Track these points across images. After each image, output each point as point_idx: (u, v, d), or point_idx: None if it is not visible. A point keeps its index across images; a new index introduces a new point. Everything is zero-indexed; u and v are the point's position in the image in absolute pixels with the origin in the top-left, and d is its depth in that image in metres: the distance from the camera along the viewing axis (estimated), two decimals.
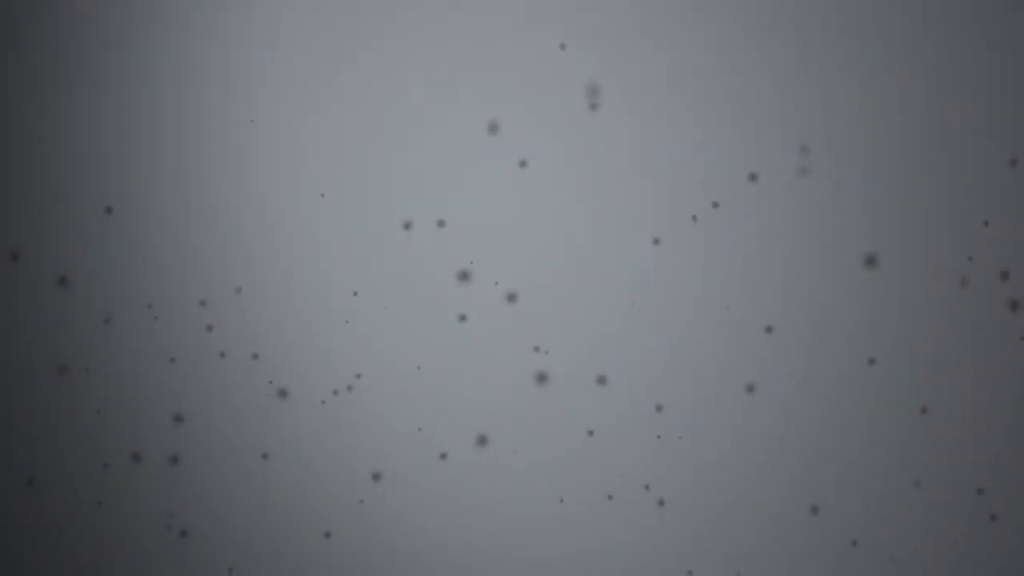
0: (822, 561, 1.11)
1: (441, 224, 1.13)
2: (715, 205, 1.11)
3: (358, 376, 1.13)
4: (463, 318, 1.13)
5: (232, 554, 1.14)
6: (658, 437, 1.12)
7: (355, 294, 1.13)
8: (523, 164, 1.12)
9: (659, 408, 1.12)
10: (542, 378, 1.13)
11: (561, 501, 1.13)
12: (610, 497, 1.12)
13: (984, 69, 1.09)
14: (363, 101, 1.13)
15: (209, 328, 1.13)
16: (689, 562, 1.12)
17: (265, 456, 1.13)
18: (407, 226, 1.13)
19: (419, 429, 1.13)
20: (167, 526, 1.14)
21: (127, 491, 1.14)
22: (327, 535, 1.14)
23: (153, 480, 1.14)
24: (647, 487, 1.12)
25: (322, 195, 1.13)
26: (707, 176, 1.11)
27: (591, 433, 1.12)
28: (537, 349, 1.12)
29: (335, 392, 1.13)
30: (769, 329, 1.11)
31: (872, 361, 1.10)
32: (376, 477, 1.14)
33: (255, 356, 1.13)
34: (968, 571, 1.10)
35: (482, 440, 1.13)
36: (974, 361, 1.09)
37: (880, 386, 1.11)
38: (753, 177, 1.10)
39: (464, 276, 1.13)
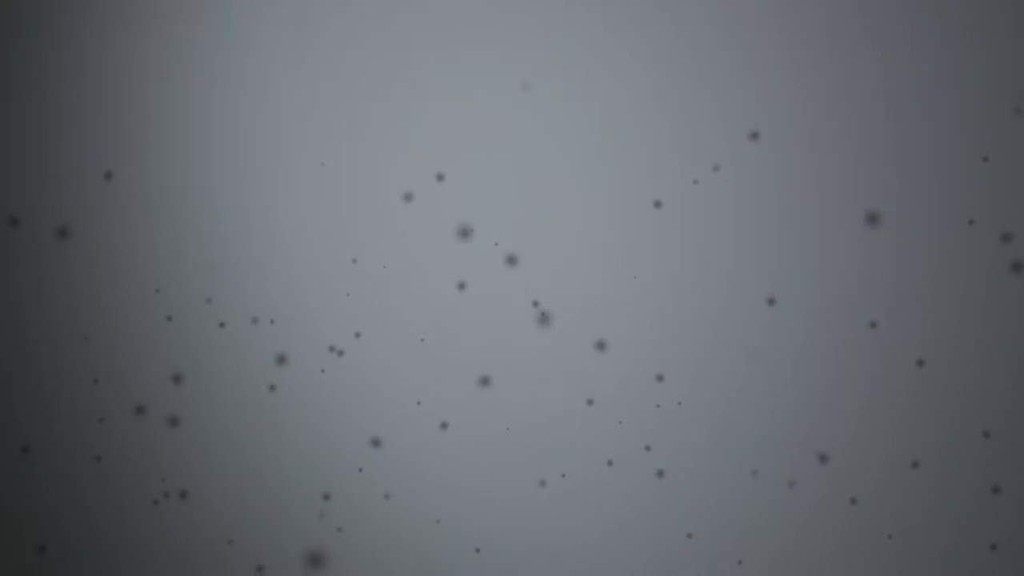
0: (825, 523, 1.11)
1: (440, 185, 1.13)
2: (716, 168, 1.11)
3: (357, 335, 1.13)
4: (463, 285, 1.12)
5: (232, 515, 1.14)
6: (658, 406, 1.11)
7: (354, 261, 1.13)
8: (524, 128, 1.12)
9: (660, 378, 1.11)
10: (542, 338, 1.12)
11: (563, 476, 1.12)
12: (610, 463, 1.12)
13: (989, 19, 1.09)
14: (361, 66, 1.13)
15: (208, 300, 1.13)
16: (689, 525, 1.12)
17: (265, 420, 1.13)
18: (407, 196, 1.13)
19: (418, 403, 1.13)
20: (165, 491, 1.14)
21: (127, 450, 1.14)
22: (326, 497, 1.13)
23: (153, 441, 1.13)
24: (648, 448, 1.12)
25: (321, 164, 1.13)
26: (708, 138, 1.11)
27: (591, 402, 1.12)
28: (536, 304, 1.12)
29: (338, 352, 1.13)
30: (772, 301, 1.10)
31: (874, 324, 1.10)
32: (375, 443, 1.13)
33: (254, 320, 1.13)
34: (968, 520, 1.10)
35: (482, 408, 1.13)
36: (976, 321, 1.09)
37: (881, 347, 1.10)
38: (754, 136, 1.10)
39: (464, 236, 1.13)
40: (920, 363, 1.09)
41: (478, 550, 1.13)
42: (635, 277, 1.11)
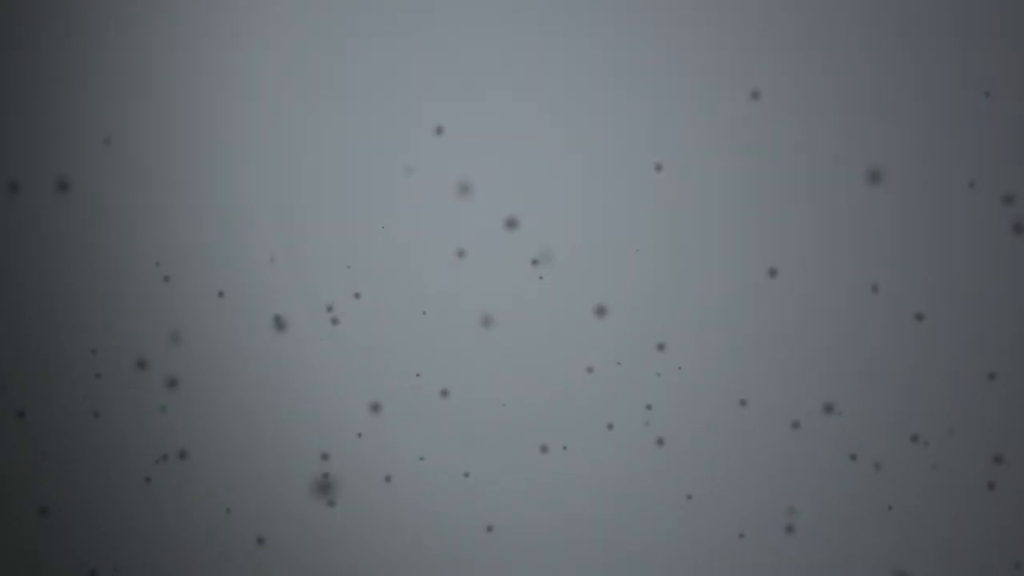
0: (828, 481, 1.11)
1: (440, 143, 1.12)
2: (717, 129, 1.11)
3: (356, 296, 1.12)
4: (461, 252, 1.12)
5: (231, 476, 1.14)
6: (658, 375, 1.11)
7: (353, 227, 1.13)
8: (525, 91, 1.12)
9: (660, 347, 1.11)
10: (539, 307, 1.12)
11: (564, 448, 1.12)
12: (610, 426, 1.12)
13: None
14: (357, 23, 1.13)
15: (206, 263, 1.12)
16: (689, 487, 1.12)
17: (264, 385, 1.13)
18: (408, 168, 1.12)
19: (417, 375, 1.12)
20: (164, 454, 1.13)
21: (126, 411, 1.13)
22: (324, 456, 1.13)
23: (152, 401, 1.13)
24: (648, 407, 1.11)
25: (319, 125, 1.12)
26: (709, 99, 1.11)
27: (590, 370, 1.12)
28: (537, 266, 1.12)
29: (334, 321, 1.12)
30: (773, 271, 1.10)
31: (875, 288, 1.10)
32: (375, 408, 1.13)
33: (253, 283, 1.12)
34: (968, 460, 1.10)
35: (483, 376, 1.13)
36: (977, 280, 1.10)
37: (882, 309, 1.10)
38: (756, 96, 1.10)
39: (463, 198, 1.12)
40: (919, 317, 1.10)
41: (484, 518, 1.13)
42: (636, 250, 1.11)
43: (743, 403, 1.11)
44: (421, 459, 1.13)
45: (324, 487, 1.12)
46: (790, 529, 1.11)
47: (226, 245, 1.13)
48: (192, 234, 1.13)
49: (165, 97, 1.13)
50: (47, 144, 1.13)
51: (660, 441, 1.11)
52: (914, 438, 1.10)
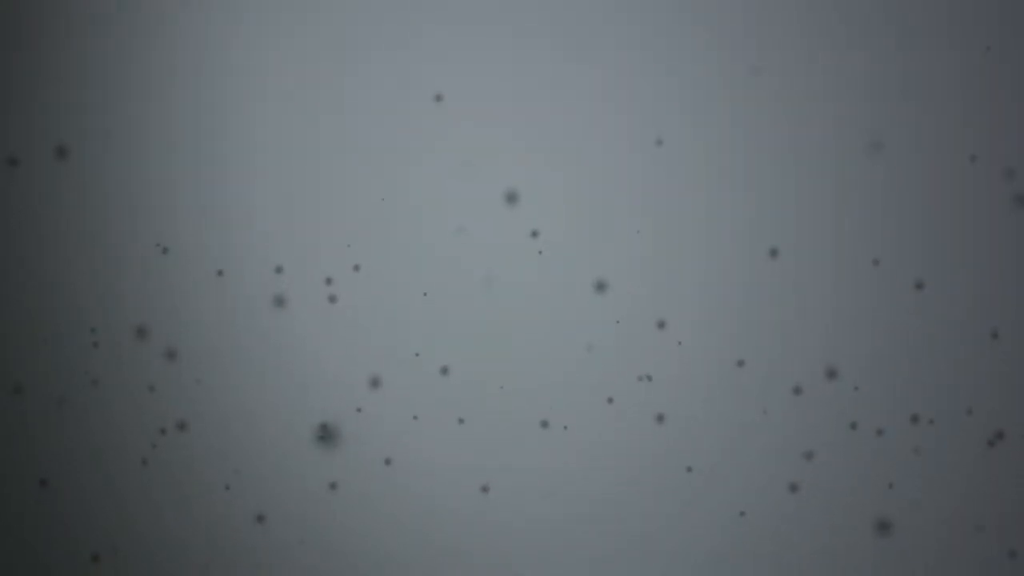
0: (830, 446, 1.11)
1: (440, 116, 1.12)
2: (718, 103, 1.11)
3: (356, 268, 1.12)
4: (461, 229, 1.12)
5: (231, 449, 1.13)
6: (658, 350, 1.11)
7: (353, 200, 1.12)
8: (526, 65, 1.12)
9: (660, 322, 1.11)
10: (539, 281, 1.12)
11: (565, 428, 1.12)
12: (610, 401, 1.12)
13: None
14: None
15: (206, 234, 1.12)
16: (688, 459, 1.12)
17: (264, 360, 1.12)
18: (408, 139, 1.12)
19: (416, 355, 1.12)
20: (162, 427, 1.13)
21: (125, 383, 1.13)
22: (322, 427, 1.13)
23: (150, 375, 1.13)
24: (648, 379, 1.11)
25: (317, 96, 1.12)
26: (709, 73, 1.11)
27: (590, 347, 1.12)
28: (535, 234, 1.12)
29: (331, 299, 1.12)
30: (774, 251, 1.10)
31: (876, 262, 1.10)
32: (375, 383, 1.13)
33: (252, 255, 1.12)
34: (968, 428, 1.10)
35: (482, 357, 1.13)
36: (974, 249, 1.10)
37: (882, 278, 1.10)
38: (757, 71, 1.10)
39: (463, 177, 1.12)
40: (919, 286, 1.10)
41: (484, 489, 1.12)
42: (638, 231, 1.11)
43: (742, 374, 1.11)
44: (421, 436, 1.12)
45: (325, 437, 1.12)
46: (792, 496, 1.11)
47: (226, 220, 1.13)
48: (192, 208, 1.13)
49: (165, 73, 1.13)
50: (47, 116, 1.13)
51: (660, 417, 1.11)
52: (915, 414, 1.10)
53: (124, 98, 1.13)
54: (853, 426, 1.10)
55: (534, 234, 1.12)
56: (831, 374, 1.10)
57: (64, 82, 1.13)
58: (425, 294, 1.12)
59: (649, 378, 1.11)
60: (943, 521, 1.11)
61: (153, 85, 1.13)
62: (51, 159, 1.12)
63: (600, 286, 1.11)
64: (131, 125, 1.13)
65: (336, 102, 1.13)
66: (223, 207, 1.13)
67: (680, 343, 1.11)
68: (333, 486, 1.12)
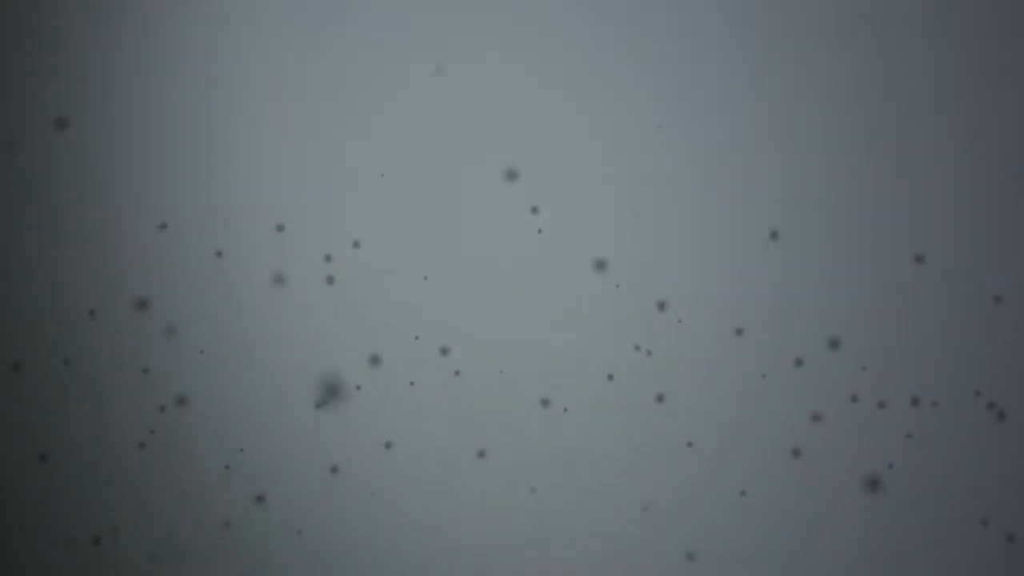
0: (824, 419, 1.11)
1: (440, 91, 1.12)
2: (716, 83, 1.11)
3: (356, 244, 1.12)
4: (459, 199, 1.12)
5: (230, 422, 1.13)
6: (657, 328, 1.11)
7: (353, 175, 1.12)
8: (528, 43, 1.12)
9: (661, 306, 1.11)
10: (542, 260, 1.12)
11: (565, 411, 1.11)
12: (610, 377, 1.11)
13: None
14: None
15: (206, 208, 1.12)
16: (689, 433, 1.12)
17: (265, 338, 1.12)
18: (407, 116, 1.12)
19: (416, 338, 1.12)
20: (162, 404, 1.13)
21: (122, 357, 1.13)
22: (325, 389, 1.13)
23: (149, 351, 1.13)
24: (648, 355, 1.11)
25: (316, 69, 1.12)
26: (711, 55, 1.11)
27: (590, 323, 1.12)
28: (535, 210, 1.12)
29: (330, 277, 1.12)
30: (775, 234, 1.10)
31: (876, 228, 1.10)
32: (374, 361, 1.12)
33: (252, 229, 1.12)
34: (970, 373, 1.10)
35: (482, 336, 1.12)
36: (973, 218, 1.10)
37: (881, 241, 1.11)
38: (758, 52, 1.11)
39: (464, 150, 1.12)
40: (919, 259, 1.10)
41: (484, 464, 1.12)
42: (637, 212, 1.11)
43: (742, 345, 1.11)
44: (421, 413, 1.12)
45: (327, 393, 1.11)
46: (794, 463, 1.11)
47: (226, 196, 1.13)
48: (192, 184, 1.12)
49: (164, 46, 1.13)
50: (47, 88, 1.13)
51: (660, 396, 1.11)
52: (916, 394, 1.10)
53: (125, 72, 1.13)
54: (854, 399, 1.10)
55: (534, 210, 1.12)
56: (834, 344, 1.10)
57: (65, 57, 1.13)
58: (426, 278, 1.12)
59: (649, 353, 1.11)
60: (942, 489, 1.10)
61: (154, 63, 1.13)
62: (51, 132, 1.12)
63: (600, 264, 1.11)
64: (132, 100, 1.13)
65: (337, 79, 1.13)
66: (223, 183, 1.13)
67: (680, 321, 1.11)
68: (334, 469, 1.12)
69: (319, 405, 1.09)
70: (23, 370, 1.12)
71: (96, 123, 1.12)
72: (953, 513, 1.10)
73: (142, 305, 1.12)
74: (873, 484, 1.10)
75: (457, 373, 1.12)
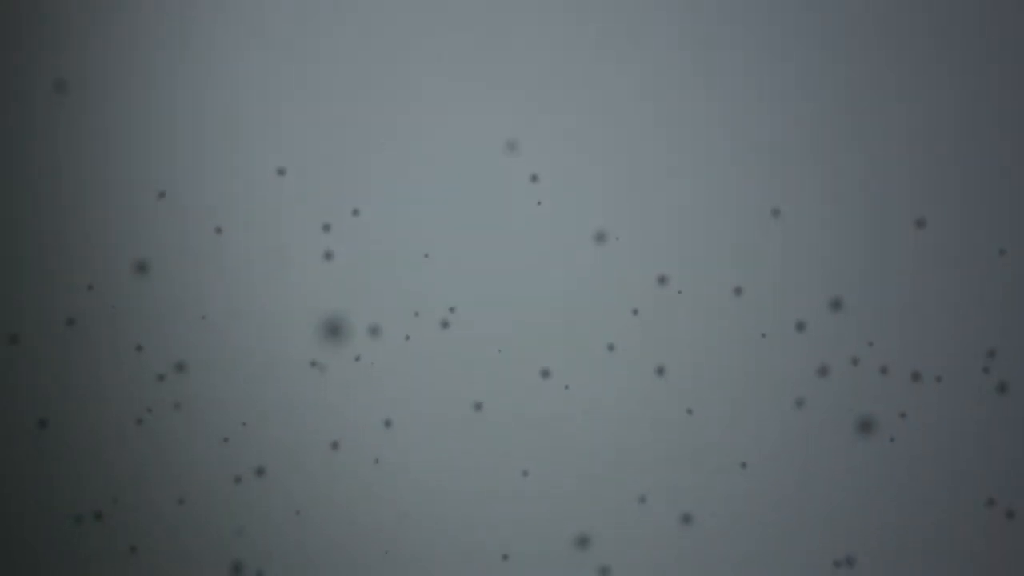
0: (825, 382, 1.11)
1: (440, 61, 1.13)
2: (717, 53, 1.11)
3: (356, 213, 1.12)
4: (460, 175, 1.12)
5: (228, 388, 1.13)
6: (657, 300, 1.11)
7: (353, 146, 1.13)
8: (528, 12, 1.12)
9: (662, 279, 1.11)
10: (543, 233, 1.12)
11: (567, 388, 1.11)
12: (611, 347, 1.11)
13: None
14: None
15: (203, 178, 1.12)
16: (689, 400, 1.11)
17: (265, 311, 1.12)
18: (406, 88, 1.13)
19: (416, 314, 1.12)
20: (161, 373, 1.13)
21: (121, 325, 1.13)
22: (312, 364, 1.13)
23: (147, 320, 1.13)
24: (648, 328, 1.11)
25: (317, 45, 1.13)
26: (710, 27, 1.11)
27: (590, 294, 1.11)
28: (535, 178, 1.12)
29: (328, 255, 1.12)
30: (776, 212, 1.10)
31: (878, 195, 1.10)
32: (374, 332, 1.13)
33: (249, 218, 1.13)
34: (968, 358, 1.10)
35: (481, 306, 1.12)
36: (973, 179, 1.10)
37: (878, 201, 1.11)
38: (762, 34, 1.11)
39: (464, 120, 1.13)
40: (919, 223, 1.10)
41: (479, 410, 1.12)
42: (635, 188, 1.11)
43: (742, 307, 1.11)
44: (423, 385, 1.12)
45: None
46: (798, 412, 1.11)
47: (225, 161, 1.13)
48: (191, 153, 1.13)
49: (167, 11, 1.13)
50: (44, 52, 1.13)
51: (660, 369, 1.11)
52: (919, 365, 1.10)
53: (127, 36, 1.13)
54: (855, 362, 1.10)
55: (534, 178, 1.12)
56: (836, 306, 1.10)
57: (64, 20, 1.13)
58: (426, 255, 1.12)
59: (648, 328, 1.11)
60: (945, 453, 1.10)
61: (151, 29, 1.13)
62: (49, 90, 1.12)
63: (599, 237, 1.11)
64: (132, 64, 1.13)
65: (337, 50, 1.13)
66: (223, 150, 1.13)
67: (680, 292, 1.11)
68: (335, 445, 1.12)
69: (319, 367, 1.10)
70: (20, 339, 1.12)
71: (95, 88, 1.13)
72: (956, 480, 1.10)
73: (140, 269, 1.12)
74: (871, 435, 1.10)
75: (456, 344, 1.12)
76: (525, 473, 1.12)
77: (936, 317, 1.10)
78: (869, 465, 1.10)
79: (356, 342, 1.12)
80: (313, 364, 1.12)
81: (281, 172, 1.13)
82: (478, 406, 1.12)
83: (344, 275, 1.12)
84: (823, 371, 1.11)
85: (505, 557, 1.12)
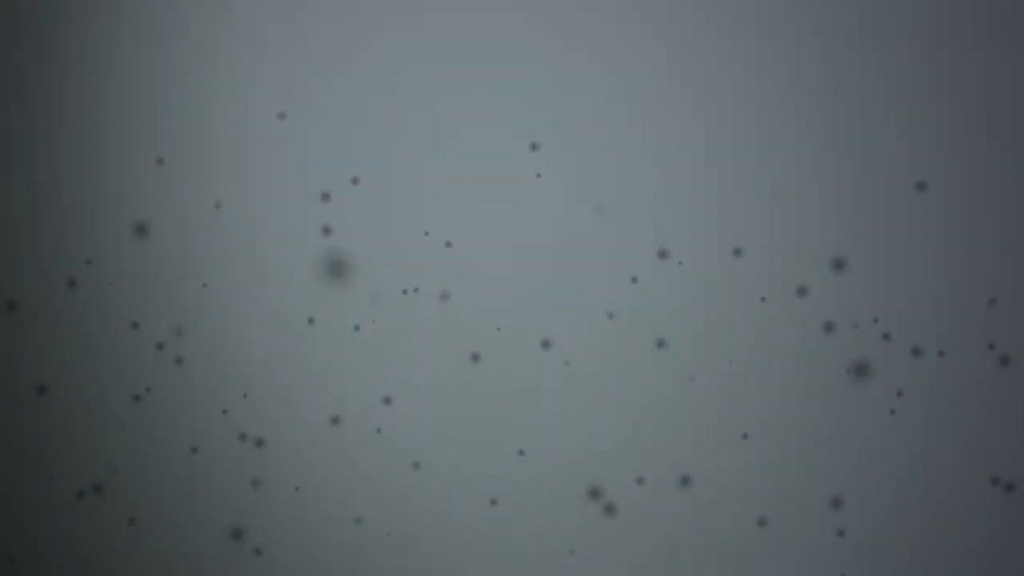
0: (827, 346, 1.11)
1: (444, 26, 1.13)
2: (717, 16, 1.11)
3: (355, 180, 1.12)
4: (459, 145, 1.12)
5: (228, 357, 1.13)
6: (658, 272, 1.11)
7: (353, 113, 1.13)
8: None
9: (663, 254, 1.11)
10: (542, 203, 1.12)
11: (567, 364, 1.11)
12: (611, 315, 1.11)
13: None
14: None
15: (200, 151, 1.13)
16: (690, 369, 1.11)
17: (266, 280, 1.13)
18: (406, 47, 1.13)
19: (415, 289, 1.12)
20: (159, 341, 1.13)
21: (119, 290, 1.13)
22: (310, 320, 1.13)
23: (145, 287, 1.13)
24: (648, 299, 1.11)
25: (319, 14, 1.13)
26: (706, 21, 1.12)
27: (590, 266, 1.12)
28: (535, 147, 1.12)
29: (326, 229, 1.12)
30: (776, 191, 1.11)
31: (880, 152, 1.10)
32: (374, 302, 1.13)
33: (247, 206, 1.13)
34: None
35: (480, 280, 1.12)
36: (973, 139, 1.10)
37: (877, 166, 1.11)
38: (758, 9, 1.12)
39: (462, 88, 1.13)
40: (920, 186, 1.10)
41: (478, 376, 1.12)
42: (636, 154, 1.11)
43: (741, 268, 1.11)
44: (422, 350, 1.12)
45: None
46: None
47: (223, 133, 1.13)
48: (190, 119, 1.13)
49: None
50: (46, 23, 1.13)
51: (660, 342, 1.11)
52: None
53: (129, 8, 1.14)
54: (856, 326, 1.10)
55: (534, 147, 1.12)
56: (838, 265, 1.10)
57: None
58: (426, 233, 1.12)
59: (649, 296, 1.11)
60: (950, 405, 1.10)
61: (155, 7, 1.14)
62: (52, 64, 1.13)
63: (599, 209, 1.11)
64: (133, 30, 1.13)
65: (338, 17, 1.13)
66: (222, 117, 1.13)
67: (680, 263, 1.11)
68: (335, 420, 1.12)
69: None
70: (17, 307, 1.12)
71: (98, 56, 1.13)
72: (956, 453, 1.09)
73: (139, 231, 1.12)
74: (879, 415, 1.10)
75: (456, 314, 1.12)
76: (527, 438, 1.12)
77: (936, 281, 1.10)
78: (876, 432, 1.10)
79: (356, 312, 1.12)
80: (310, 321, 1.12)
81: (281, 135, 1.13)
82: (477, 373, 1.12)
83: (343, 246, 1.12)
84: (828, 328, 1.10)
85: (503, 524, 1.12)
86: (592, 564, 1.12)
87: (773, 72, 1.11)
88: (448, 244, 1.12)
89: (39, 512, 1.12)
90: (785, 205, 1.11)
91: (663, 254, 1.11)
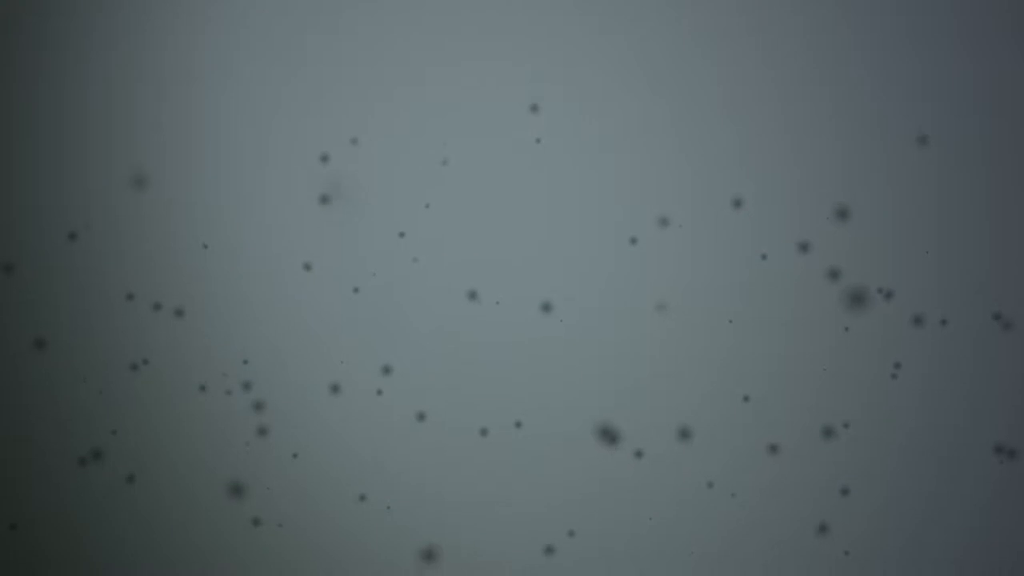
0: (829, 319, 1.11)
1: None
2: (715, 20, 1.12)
3: (354, 141, 1.12)
4: (457, 106, 1.12)
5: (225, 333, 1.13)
6: (661, 243, 1.11)
7: (352, 81, 1.13)
8: None
9: (663, 222, 1.11)
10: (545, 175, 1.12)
11: (567, 298, 1.11)
12: (609, 279, 1.11)
13: None
14: None
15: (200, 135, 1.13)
16: (689, 345, 1.11)
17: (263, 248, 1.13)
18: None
19: (415, 260, 1.12)
20: (158, 302, 1.13)
21: (118, 240, 1.13)
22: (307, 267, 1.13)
23: (144, 244, 1.13)
24: (650, 270, 1.11)
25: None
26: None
27: (590, 240, 1.12)
28: (535, 114, 1.12)
29: (324, 199, 1.12)
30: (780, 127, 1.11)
31: (880, 116, 1.10)
32: (374, 275, 1.13)
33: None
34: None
35: (480, 264, 1.13)
36: (973, 91, 1.10)
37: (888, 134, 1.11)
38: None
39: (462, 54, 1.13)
40: (922, 140, 1.10)
41: (479, 350, 1.12)
42: (636, 120, 1.11)
43: (743, 218, 1.11)
44: (422, 324, 1.12)
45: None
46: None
47: (216, 102, 1.13)
48: (184, 83, 1.13)
49: None
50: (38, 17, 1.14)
51: (661, 306, 1.11)
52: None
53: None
54: (858, 283, 1.10)
55: (534, 109, 1.12)
56: (842, 215, 1.10)
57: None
58: (427, 205, 1.12)
59: (650, 270, 1.11)
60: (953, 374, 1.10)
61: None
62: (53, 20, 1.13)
63: (599, 185, 1.12)
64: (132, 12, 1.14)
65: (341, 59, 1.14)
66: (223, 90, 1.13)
67: (681, 225, 1.11)
68: (334, 388, 1.12)
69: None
70: (14, 271, 1.12)
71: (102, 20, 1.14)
72: (959, 416, 1.09)
73: (139, 183, 1.12)
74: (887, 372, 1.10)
75: (455, 280, 1.12)
76: (528, 411, 1.12)
77: (937, 236, 1.10)
78: (880, 396, 1.10)
79: (355, 279, 1.12)
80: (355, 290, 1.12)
81: (279, 124, 1.13)
82: (477, 345, 1.12)
83: (344, 217, 1.12)
84: (832, 276, 1.10)
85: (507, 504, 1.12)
86: (597, 509, 1.12)
87: (776, 25, 1.11)
88: (446, 213, 1.12)
89: (40, 480, 1.12)
90: (786, 158, 1.11)
91: (664, 222, 1.11)
